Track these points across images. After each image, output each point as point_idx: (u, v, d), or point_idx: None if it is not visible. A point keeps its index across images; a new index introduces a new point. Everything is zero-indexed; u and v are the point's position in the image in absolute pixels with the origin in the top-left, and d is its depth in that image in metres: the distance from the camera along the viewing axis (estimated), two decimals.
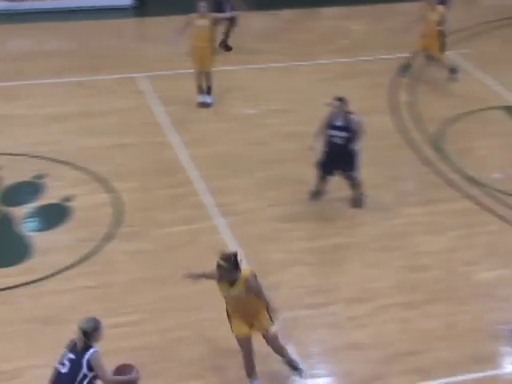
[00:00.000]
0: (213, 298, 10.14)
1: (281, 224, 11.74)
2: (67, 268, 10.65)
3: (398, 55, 15.97)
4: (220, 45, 17.35)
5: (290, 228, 11.67)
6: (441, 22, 15.96)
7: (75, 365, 7.60)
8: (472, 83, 16.24)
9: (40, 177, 12.65)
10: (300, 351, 9.35)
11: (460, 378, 9.18)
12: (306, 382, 8.99)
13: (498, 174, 13.20)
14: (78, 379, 7.57)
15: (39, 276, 10.48)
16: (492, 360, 9.45)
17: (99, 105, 14.96)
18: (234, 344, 8.64)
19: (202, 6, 14.71)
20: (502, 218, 12.11)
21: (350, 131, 11.62)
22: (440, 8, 15.96)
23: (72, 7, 19.19)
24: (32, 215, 11.84)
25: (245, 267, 8.68)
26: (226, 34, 17.57)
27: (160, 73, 16.15)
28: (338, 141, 11.68)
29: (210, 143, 13.82)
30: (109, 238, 11.30)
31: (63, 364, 7.68)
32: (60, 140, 13.71)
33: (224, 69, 16.30)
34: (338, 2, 20.55)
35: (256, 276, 8.38)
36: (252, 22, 19.35)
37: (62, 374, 7.67)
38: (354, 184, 12.05)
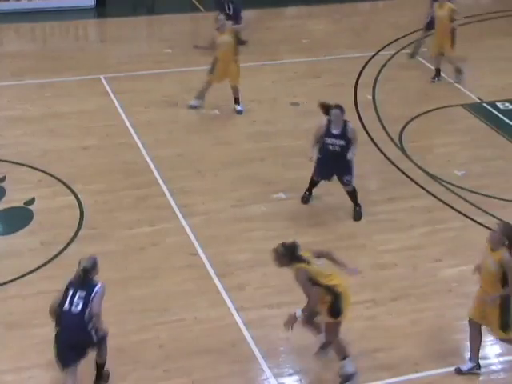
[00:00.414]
0: (178, 299, 10.16)
1: (245, 224, 11.70)
2: (31, 272, 10.51)
3: (359, 54, 15.94)
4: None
5: (254, 228, 11.64)
6: (452, 18, 15.91)
7: (87, 300, 8.30)
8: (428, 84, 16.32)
9: (1, 180, 12.46)
10: (267, 350, 9.32)
11: (426, 373, 9.23)
12: (273, 380, 8.96)
13: (458, 171, 13.27)
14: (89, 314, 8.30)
15: (2, 280, 10.34)
16: (457, 355, 9.47)
17: (62, 106, 14.79)
18: (199, 345, 8.57)
19: (221, 20, 14.57)
20: (464, 214, 12.16)
21: (346, 139, 11.60)
22: (449, 4, 15.94)
23: (33, 8, 18.95)
24: None
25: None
26: None
27: (123, 74, 16.02)
28: (336, 148, 11.66)
29: (175, 144, 13.74)
30: (72, 240, 11.17)
31: (75, 304, 8.31)
32: (22, 142, 13.54)
33: (189, 69, 16.26)
34: (300, 2, 20.56)
35: (303, 272, 8.65)
36: (213, 22, 19.25)
37: (75, 313, 8.26)
38: (351, 191, 11.98)
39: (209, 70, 14.53)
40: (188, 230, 11.52)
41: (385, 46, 17.43)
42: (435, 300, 10.46)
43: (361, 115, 14.86)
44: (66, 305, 8.31)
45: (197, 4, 20.06)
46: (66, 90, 15.48)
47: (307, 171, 12.93)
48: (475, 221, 12.01)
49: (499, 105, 15.50)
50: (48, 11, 18.99)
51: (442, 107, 15.27)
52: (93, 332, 8.40)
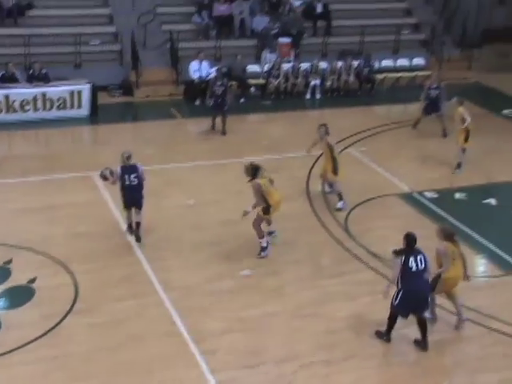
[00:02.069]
0: (159, 363, 9.94)
1: (217, 297, 11.55)
2: (32, 341, 10.23)
3: (308, 153, 16.04)
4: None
5: (225, 300, 11.49)
6: (463, 121, 16.34)
7: (138, 175, 12.74)
8: (371, 175, 16.44)
9: (7, 262, 12.24)
10: None
11: None
12: None
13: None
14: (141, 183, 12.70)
15: (7, 349, 10.03)
16: None
17: (60, 199, 14.66)
18: None
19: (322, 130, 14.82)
20: None
21: None
22: (460, 109, 16.46)
23: (37, 118, 18.99)
24: (1, 296, 11.39)
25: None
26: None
27: None
28: None
29: (156, 229, 13.61)
30: (68, 313, 10.93)
31: (133, 179, 12.68)
32: (26, 230, 13.34)
33: (168, 166, 16.27)
34: (260, 110, 20.81)
35: (258, 184, 12.39)
36: (189, 127, 19.44)
37: (135, 185, 12.72)
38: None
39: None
40: (167, 302, 11.33)
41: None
42: (378, 359, 10.38)
43: (313, 203, 14.89)
44: (126, 182, 12.67)
45: (174, 112, 20.19)
46: (63, 185, 15.37)
47: (268, 251, 12.93)
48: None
49: (426, 194, 15.63)
50: (50, 120, 19.00)
51: (380, 196, 15.36)
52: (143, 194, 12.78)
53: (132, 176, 12.69)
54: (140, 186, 12.78)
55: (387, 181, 16.23)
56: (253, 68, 22.36)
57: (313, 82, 21.98)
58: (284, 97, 21.83)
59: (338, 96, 22.18)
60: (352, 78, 22.34)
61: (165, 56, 22.07)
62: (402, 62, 24.19)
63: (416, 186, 15.95)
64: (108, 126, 18.99)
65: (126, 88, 21.40)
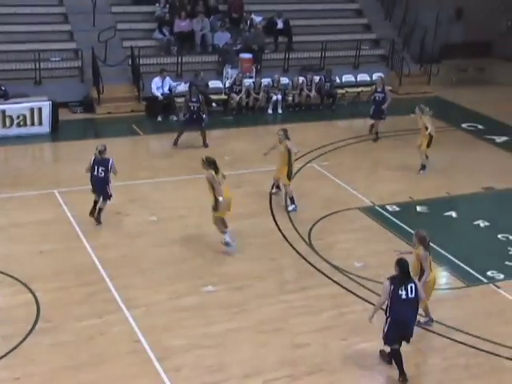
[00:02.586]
0: (123, 381, 9.83)
1: (180, 314, 11.49)
2: None
3: (272, 168, 16.08)
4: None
5: (188, 317, 11.43)
6: (426, 128, 17.21)
7: (106, 169, 13.87)
8: (334, 189, 16.54)
9: None
10: None
11: None
12: None
13: (357, 263, 13.35)
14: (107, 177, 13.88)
15: None
16: None
17: (22, 217, 14.48)
18: None
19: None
20: (364, 299, 12.18)
21: None
22: (423, 117, 17.33)
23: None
24: None
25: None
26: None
27: (73, 188, 15.82)
28: None
29: (119, 246, 13.54)
30: (30, 333, 10.77)
31: (101, 171, 13.87)
32: None
33: (131, 183, 16.19)
34: (222, 126, 20.83)
35: (212, 175, 13.07)
36: (153, 144, 19.38)
37: (101, 178, 13.90)
38: None
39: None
40: (131, 320, 11.24)
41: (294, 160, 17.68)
42: (343, 373, 10.38)
43: (276, 218, 14.92)
44: (95, 172, 13.84)
45: (136, 129, 20.12)
46: (26, 202, 15.19)
47: (232, 267, 12.95)
48: (373, 304, 11.95)
49: (388, 207, 15.77)
50: (10, 137, 18.79)
51: (342, 210, 15.45)
52: (109, 187, 13.97)
53: (100, 169, 13.86)
54: (105, 179, 13.93)
55: (349, 194, 16.33)
56: (215, 84, 22.41)
57: (274, 97, 22.10)
58: (246, 112, 21.92)
59: (299, 111, 22.33)
60: (313, 93, 22.52)
61: (126, 72, 22.02)
62: (363, 76, 24.46)
63: (378, 199, 16.08)
64: (69, 143, 18.84)
65: (87, 104, 21.28)
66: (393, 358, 10.30)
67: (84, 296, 11.84)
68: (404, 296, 9.93)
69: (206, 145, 18.84)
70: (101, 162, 13.93)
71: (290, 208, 15.27)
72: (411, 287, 9.98)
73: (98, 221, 14.22)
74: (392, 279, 10.07)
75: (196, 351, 10.57)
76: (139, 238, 13.91)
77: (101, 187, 14.08)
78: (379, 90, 20.09)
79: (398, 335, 10.15)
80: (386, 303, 10.13)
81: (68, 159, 17.83)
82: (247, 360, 10.48)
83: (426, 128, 17.19)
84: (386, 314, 10.15)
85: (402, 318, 10.04)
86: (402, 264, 10.07)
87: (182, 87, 21.52)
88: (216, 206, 13.19)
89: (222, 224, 13.42)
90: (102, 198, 14.21)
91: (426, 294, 10.93)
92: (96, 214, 14.23)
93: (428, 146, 17.36)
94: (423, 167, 17.56)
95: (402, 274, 10.03)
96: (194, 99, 18.70)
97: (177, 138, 18.74)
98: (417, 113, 17.57)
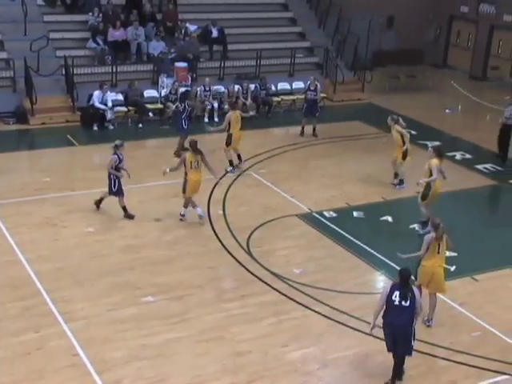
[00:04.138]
0: None
1: (119, 325, 11.34)
2: None
3: (209, 176, 16.03)
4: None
5: (127, 328, 11.29)
6: (403, 137, 17.26)
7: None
8: (271, 196, 16.60)
9: None
10: None
11: None
12: None
13: (296, 269, 13.42)
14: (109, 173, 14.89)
15: None
16: None
17: None
18: None
19: None
20: (304, 305, 12.24)
21: None
22: (396, 127, 17.40)
23: None
24: None
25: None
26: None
27: (8, 200, 15.50)
28: None
29: (55, 259, 13.29)
30: None
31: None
32: None
33: (65, 194, 15.96)
34: (159, 135, 20.70)
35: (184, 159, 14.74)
36: (89, 154, 19.09)
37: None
38: None
39: None
40: (69, 333, 11.03)
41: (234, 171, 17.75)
42: (284, 380, 10.40)
43: (214, 227, 14.89)
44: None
45: (71, 139, 19.83)
46: None
47: (171, 277, 12.85)
48: (313, 310, 12.12)
49: (325, 213, 15.90)
50: None
51: (280, 217, 15.52)
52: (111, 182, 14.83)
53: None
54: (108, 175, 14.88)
55: (287, 201, 16.42)
56: (150, 93, 22.27)
57: (210, 106, 22.09)
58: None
59: None
60: (249, 101, 22.58)
61: (60, 82, 21.70)
62: (298, 84, 24.62)
63: (315, 205, 16.21)
64: (2, 155, 18.42)
65: (20, 115, 20.86)
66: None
67: (20, 310, 11.57)
68: (397, 302, 10.00)
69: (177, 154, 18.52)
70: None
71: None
72: (407, 295, 9.99)
73: (130, 217, 14.99)
74: (392, 285, 10.24)
75: (136, 363, 10.44)
76: (76, 250, 13.68)
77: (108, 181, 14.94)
78: (312, 88, 20.76)
79: (390, 340, 10.22)
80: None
81: (1, 171, 17.42)
82: (188, 370, 10.40)
83: (403, 137, 17.13)
84: (382, 317, 10.25)
85: (390, 322, 10.12)
86: (401, 272, 10.17)
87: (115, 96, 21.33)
88: (184, 189, 14.83)
89: (191, 203, 14.96)
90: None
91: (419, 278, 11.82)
92: (124, 213, 15.02)
93: (403, 158, 17.25)
94: (401, 182, 17.45)
95: (400, 281, 10.11)
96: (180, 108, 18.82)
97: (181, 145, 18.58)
98: (389, 123, 17.63)
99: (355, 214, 16.04)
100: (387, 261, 13.83)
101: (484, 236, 13.06)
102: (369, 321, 11.48)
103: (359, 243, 14.54)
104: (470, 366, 10.95)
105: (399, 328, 10.08)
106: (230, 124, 17.85)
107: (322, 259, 13.97)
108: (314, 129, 20.89)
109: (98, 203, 15.24)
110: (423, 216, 15.19)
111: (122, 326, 11.32)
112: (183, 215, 15.08)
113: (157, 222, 14.94)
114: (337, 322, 11.81)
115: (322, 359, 10.87)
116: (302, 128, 20.96)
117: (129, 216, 14.92)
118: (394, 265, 13.69)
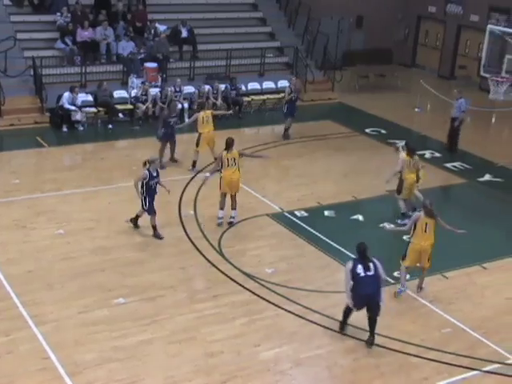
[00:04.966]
0: None
1: (91, 328, 11.26)
2: None
3: (181, 177, 16.03)
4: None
5: (99, 330, 11.22)
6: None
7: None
8: (242, 196, 16.50)
9: None
10: None
11: None
12: None
13: (268, 269, 13.44)
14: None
15: None
16: None
17: None
18: None
19: None
20: (276, 304, 12.26)
21: None
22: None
23: None
24: None
25: None
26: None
27: None
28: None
29: (25, 261, 13.16)
30: None
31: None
32: None
33: (35, 196, 15.82)
34: (128, 136, 20.60)
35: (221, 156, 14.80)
36: (59, 155, 18.92)
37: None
38: None
39: None
40: (40, 336, 10.92)
41: (200, 171, 17.70)
42: (257, 379, 10.41)
43: (185, 227, 14.85)
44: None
45: (40, 141, 19.65)
46: None
47: (143, 278, 12.80)
48: (285, 309, 12.15)
49: (297, 213, 15.94)
50: None
51: (252, 217, 15.53)
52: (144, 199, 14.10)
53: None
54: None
55: (258, 201, 16.44)
56: (120, 93, 22.14)
57: (180, 106, 22.02)
58: (152, 121, 21.70)
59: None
60: (219, 102, 22.55)
61: (28, 83, 21.50)
62: (268, 84, 24.69)
63: (286, 205, 16.24)
64: None
65: None
66: (344, 310, 11.35)
67: None
68: (362, 274, 10.94)
69: (175, 159, 18.34)
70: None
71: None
72: (370, 266, 10.99)
73: (159, 237, 14.33)
74: (353, 260, 11.16)
75: (108, 365, 10.38)
76: (46, 252, 13.57)
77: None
78: (293, 89, 20.91)
79: (362, 305, 11.15)
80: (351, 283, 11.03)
81: None
82: (160, 371, 10.37)
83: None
84: (351, 291, 11.08)
85: (361, 293, 11.01)
86: (357, 246, 11.14)
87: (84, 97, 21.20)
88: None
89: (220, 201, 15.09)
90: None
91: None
92: (153, 232, 14.36)
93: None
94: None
95: (359, 255, 11.08)
96: (173, 115, 18.23)
97: (162, 153, 18.00)
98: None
99: (326, 213, 16.10)
100: None
101: (453, 234, 13.18)
102: (341, 319, 11.61)
103: (330, 242, 14.61)
104: (440, 362, 11.06)
105: (371, 296, 11.01)
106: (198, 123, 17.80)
107: (293, 258, 14.01)
108: (287, 128, 20.97)
109: (135, 221, 14.57)
110: (401, 208, 15.76)
111: (94, 329, 11.25)
112: (233, 217, 15.18)
113: (128, 223, 14.86)
114: (309, 320, 11.85)
115: (295, 358, 10.91)
116: (287, 130, 21.00)
117: (157, 236, 14.29)
118: None
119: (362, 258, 11.06)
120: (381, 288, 11.15)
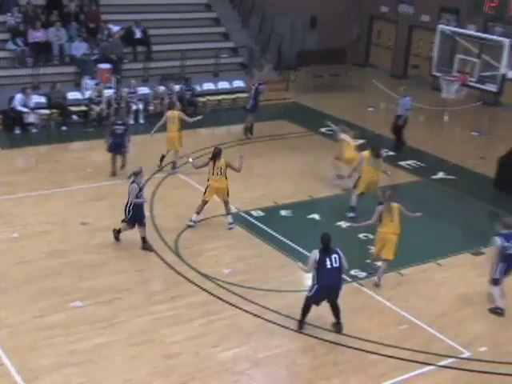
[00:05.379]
0: None
1: (47, 332, 11.12)
2: None
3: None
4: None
5: (55, 335, 11.08)
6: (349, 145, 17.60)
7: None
8: (199, 197, 16.41)
9: None
10: None
11: None
12: None
13: (225, 270, 13.43)
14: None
15: None
16: None
17: None
18: None
19: None
20: (233, 304, 12.26)
21: None
22: (342, 136, 17.74)
23: None
24: None
25: None
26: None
27: None
28: None
29: None
30: None
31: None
32: None
33: None
34: (83, 138, 20.40)
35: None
36: (12, 158, 18.63)
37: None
38: None
39: None
40: None
41: (156, 172, 17.62)
42: (216, 380, 10.40)
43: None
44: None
45: None
46: None
47: (99, 281, 12.68)
48: (243, 309, 12.16)
49: (253, 213, 15.97)
50: None
51: (208, 218, 15.50)
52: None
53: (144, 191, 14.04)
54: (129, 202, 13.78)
55: (214, 202, 16.35)
56: (74, 95, 21.90)
57: (135, 107, 21.89)
58: (107, 123, 21.55)
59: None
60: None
61: None
62: (223, 84, 24.71)
63: (243, 205, 16.25)
64: None
65: None
66: (304, 305, 11.54)
67: None
68: (329, 265, 11.23)
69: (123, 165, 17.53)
70: (135, 179, 13.80)
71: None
72: (335, 258, 11.29)
73: (149, 248, 13.95)
74: (319, 251, 11.33)
75: (65, 369, 10.26)
76: (1, 256, 13.36)
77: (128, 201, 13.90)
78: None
79: (323, 298, 11.48)
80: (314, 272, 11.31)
81: None
82: (119, 374, 10.29)
83: (349, 145, 17.50)
84: (313, 280, 11.35)
85: (326, 285, 11.30)
86: (321, 238, 11.41)
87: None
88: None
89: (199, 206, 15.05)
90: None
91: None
92: (142, 244, 13.97)
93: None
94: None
95: (323, 246, 11.33)
96: (119, 122, 17.30)
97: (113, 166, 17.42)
98: (337, 132, 18.13)
99: (283, 212, 16.16)
100: None
101: (408, 231, 13.36)
102: (298, 318, 11.66)
103: (287, 241, 14.66)
104: (397, 358, 11.18)
105: (334, 287, 11.43)
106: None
107: (250, 258, 14.03)
108: (248, 126, 21.12)
109: (117, 234, 14.13)
110: (352, 202, 16.17)
111: (50, 333, 11.10)
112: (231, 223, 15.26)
113: (83, 225, 14.71)
114: (266, 320, 11.88)
115: (253, 358, 10.92)
116: (249, 126, 21.16)
117: (147, 247, 13.92)
118: None
119: (327, 248, 11.32)
120: (342, 279, 11.57)
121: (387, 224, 12.99)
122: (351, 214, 15.93)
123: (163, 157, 17.95)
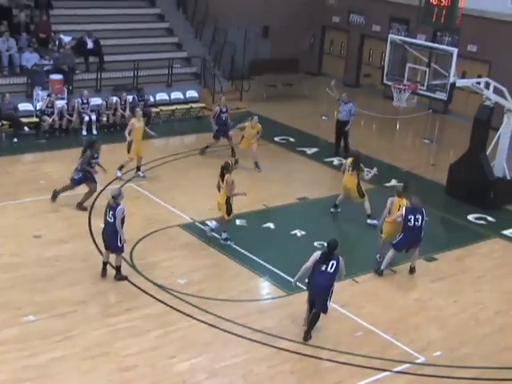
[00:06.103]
0: None
1: (1, 347, 10.93)
2: None
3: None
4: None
5: (9, 350, 10.91)
6: None
7: (114, 214, 12.83)
8: (153, 208, 16.51)
9: None
10: None
11: None
12: None
13: (181, 280, 13.40)
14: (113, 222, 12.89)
15: None
16: None
17: None
18: None
19: None
20: (189, 315, 12.23)
21: None
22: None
23: None
24: None
25: None
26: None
27: None
28: None
29: None
30: None
31: (111, 217, 12.90)
32: None
33: None
34: (36, 149, 20.15)
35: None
36: None
37: (110, 223, 12.95)
38: None
39: None
40: None
41: (110, 182, 17.49)
42: None
43: (96, 240, 14.61)
44: (106, 217, 12.99)
45: None
46: None
47: (53, 294, 12.53)
48: (199, 319, 12.13)
49: (208, 223, 15.92)
50: None
51: (163, 228, 15.44)
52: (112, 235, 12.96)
53: (110, 213, 13.03)
54: (112, 225, 12.97)
55: (169, 212, 16.35)
56: (25, 106, 21.61)
57: (87, 118, 21.71)
58: (59, 134, 21.33)
59: (114, 131, 21.99)
60: (128, 113, 22.31)
61: None
62: (177, 94, 24.65)
63: (197, 215, 16.22)
64: None
65: None
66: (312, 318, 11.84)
67: None
68: (323, 269, 11.60)
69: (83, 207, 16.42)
70: (111, 206, 13.00)
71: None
72: (332, 263, 11.61)
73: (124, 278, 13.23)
74: (322, 253, 11.71)
75: None
76: None
77: (106, 236, 13.20)
78: (224, 110, 20.62)
79: (311, 297, 11.82)
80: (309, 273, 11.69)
81: None
82: None
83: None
84: (306, 279, 11.80)
85: (311, 282, 11.73)
86: (328, 243, 11.79)
87: None
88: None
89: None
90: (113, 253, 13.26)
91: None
92: (116, 275, 13.23)
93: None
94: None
95: (328, 250, 11.68)
96: (96, 155, 16.52)
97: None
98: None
99: (238, 222, 16.16)
100: (270, 267, 14.05)
101: (363, 238, 13.51)
102: (258, 328, 11.69)
103: (242, 251, 14.68)
104: (353, 365, 11.28)
105: (317, 287, 11.67)
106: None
107: (206, 268, 14.01)
108: (232, 148, 20.36)
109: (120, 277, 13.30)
110: (338, 200, 17.08)
111: (3, 348, 10.92)
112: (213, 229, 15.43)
113: (36, 238, 14.53)
114: (222, 330, 11.87)
115: (211, 368, 10.90)
116: (208, 146, 20.51)
117: (122, 278, 13.24)
118: (276, 270, 13.94)
119: (329, 254, 11.65)
120: (332, 286, 11.69)
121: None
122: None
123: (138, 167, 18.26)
